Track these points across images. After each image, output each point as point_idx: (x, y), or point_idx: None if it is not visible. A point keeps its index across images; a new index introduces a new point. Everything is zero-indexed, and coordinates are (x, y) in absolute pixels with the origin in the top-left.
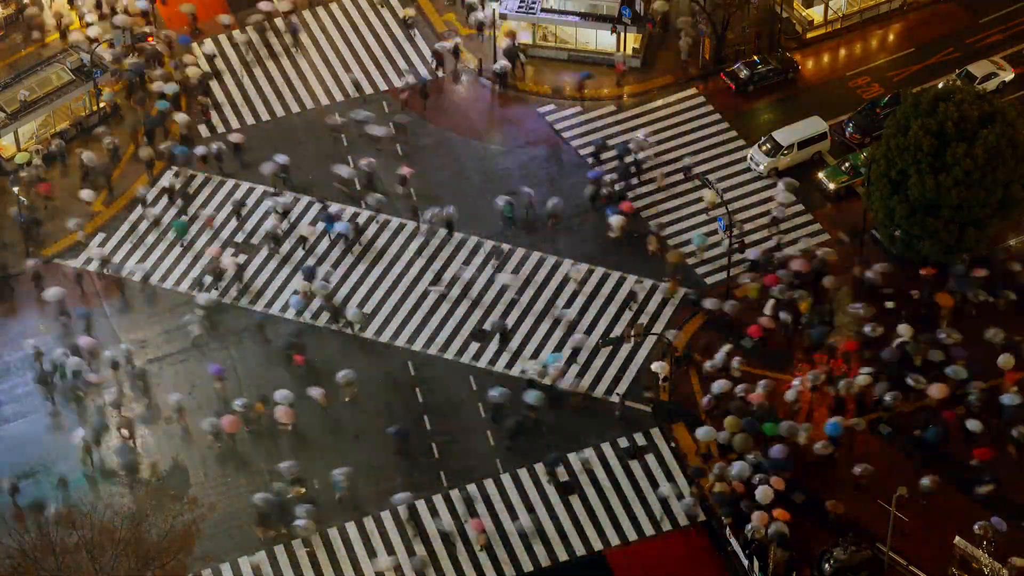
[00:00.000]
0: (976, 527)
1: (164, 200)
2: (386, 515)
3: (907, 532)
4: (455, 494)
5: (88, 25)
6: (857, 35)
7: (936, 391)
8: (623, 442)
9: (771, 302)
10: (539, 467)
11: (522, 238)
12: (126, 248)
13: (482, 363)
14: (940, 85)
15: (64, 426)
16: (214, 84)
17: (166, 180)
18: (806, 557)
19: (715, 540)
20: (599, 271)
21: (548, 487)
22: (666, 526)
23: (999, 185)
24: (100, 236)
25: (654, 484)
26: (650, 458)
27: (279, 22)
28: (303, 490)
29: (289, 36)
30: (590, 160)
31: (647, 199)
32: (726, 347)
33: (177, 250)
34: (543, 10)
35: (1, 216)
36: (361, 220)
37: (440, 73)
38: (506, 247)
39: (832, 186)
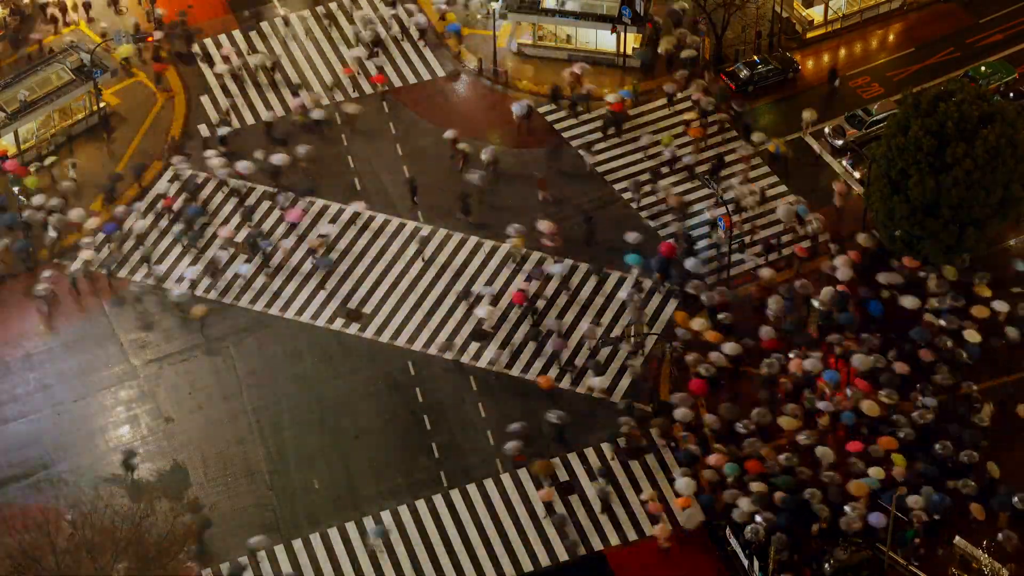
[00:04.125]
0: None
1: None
2: (386, 515)
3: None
4: (455, 494)
5: (91, 20)
6: (857, 35)
7: None
8: (622, 442)
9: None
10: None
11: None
12: (126, 247)
13: (482, 363)
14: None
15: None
16: (216, 82)
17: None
18: (806, 557)
19: (715, 540)
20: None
21: (548, 487)
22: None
23: (999, 185)
24: (100, 236)
25: (654, 484)
26: (650, 458)
27: (280, 23)
28: None
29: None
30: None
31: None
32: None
33: (177, 250)
34: (543, 10)
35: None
36: (361, 219)
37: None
38: (505, 247)
39: None
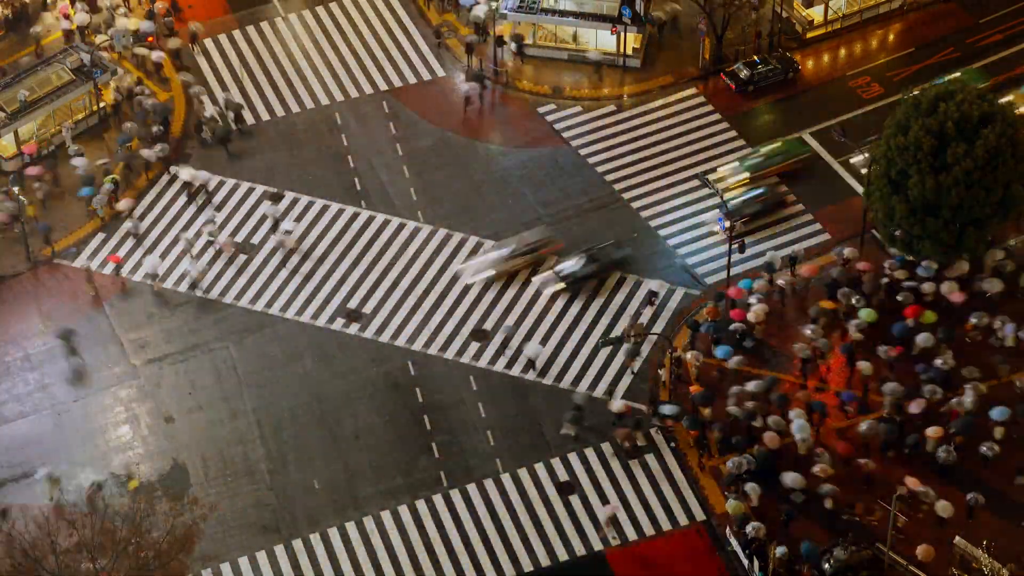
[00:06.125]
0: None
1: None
2: (386, 515)
3: (907, 532)
4: (455, 494)
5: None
6: (857, 35)
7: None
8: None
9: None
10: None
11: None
12: (127, 247)
13: (482, 363)
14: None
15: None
16: (215, 83)
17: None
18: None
19: (715, 540)
20: None
21: (548, 487)
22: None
23: (999, 185)
24: (100, 236)
25: (654, 484)
26: (650, 458)
27: (280, 23)
28: None
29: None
30: None
31: (645, 199)
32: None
33: (177, 250)
34: (543, 10)
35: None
36: (361, 219)
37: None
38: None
39: None
